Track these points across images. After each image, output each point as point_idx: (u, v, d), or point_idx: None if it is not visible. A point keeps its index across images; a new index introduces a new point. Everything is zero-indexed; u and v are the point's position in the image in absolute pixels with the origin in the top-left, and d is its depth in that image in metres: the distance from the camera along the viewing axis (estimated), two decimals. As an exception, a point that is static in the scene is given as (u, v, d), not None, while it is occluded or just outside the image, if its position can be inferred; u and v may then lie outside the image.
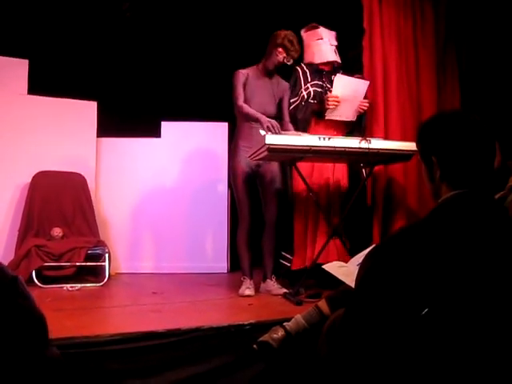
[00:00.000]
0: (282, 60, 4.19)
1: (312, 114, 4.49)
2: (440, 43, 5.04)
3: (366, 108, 4.46)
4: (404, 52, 4.86)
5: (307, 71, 4.60)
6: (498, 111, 4.43)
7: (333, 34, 4.63)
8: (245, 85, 4.22)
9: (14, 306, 1.55)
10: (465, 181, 1.58)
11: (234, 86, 4.21)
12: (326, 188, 4.46)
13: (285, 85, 4.41)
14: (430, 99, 4.89)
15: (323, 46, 4.57)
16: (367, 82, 4.44)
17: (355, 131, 4.54)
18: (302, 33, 4.63)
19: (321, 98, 4.45)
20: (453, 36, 5.10)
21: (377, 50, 4.73)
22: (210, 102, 5.88)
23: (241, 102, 4.17)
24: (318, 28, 4.58)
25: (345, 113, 4.42)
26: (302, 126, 4.39)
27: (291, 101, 4.49)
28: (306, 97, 4.53)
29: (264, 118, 3.99)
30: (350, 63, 4.82)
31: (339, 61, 4.62)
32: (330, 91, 4.43)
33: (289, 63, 4.21)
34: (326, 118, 4.39)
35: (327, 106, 4.34)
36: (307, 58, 4.64)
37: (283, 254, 4.53)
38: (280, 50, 4.16)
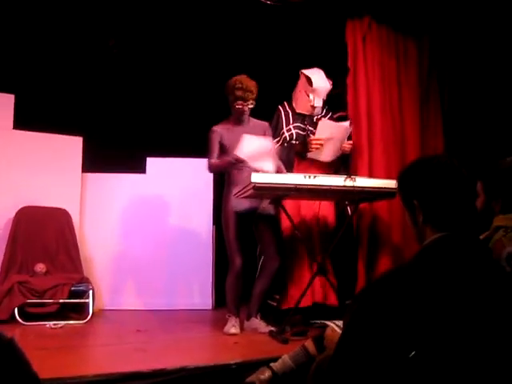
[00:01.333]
0: (245, 110, 4.24)
1: (295, 155, 4.57)
2: (423, 80, 5.16)
3: (348, 149, 4.57)
4: (388, 90, 4.97)
5: (289, 112, 4.70)
6: (481, 149, 4.52)
7: (326, 88, 4.65)
8: (221, 141, 4.27)
9: (10, 370, 1.55)
10: (448, 223, 1.61)
11: (208, 145, 4.29)
12: (312, 226, 4.50)
13: (263, 124, 4.43)
14: (414, 136, 4.99)
15: (306, 103, 4.65)
16: (350, 128, 4.56)
17: (340, 171, 4.61)
18: (301, 73, 4.71)
19: (304, 141, 4.54)
20: (435, 73, 5.22)
21: (361, 88, 4.84)
22: (196, 137, 5.84)
23: (211, 160, 4.25)
24: (311, 85, 4.60)
25: (328, 155, 4.51)
26: (284, 167, 4.42)
27: (274, 141, 4.55)
28: (288, 138, 4.61)
29: (228, 158, 4.10)
30: (334, 101, 4.90)
31: (320, 113, 4.73)
32: (313, 134, 4.52)
33: (252, 106, 4.25)
34: (310, 156, 4.47)
35: (310, 149, 4.43)
36: (293, 98, 4.75)
37: (272, 294, 4.55)
38: (237, 103, 4.22)
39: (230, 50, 5.63)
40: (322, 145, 4.41)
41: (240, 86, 4.17)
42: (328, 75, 4.67)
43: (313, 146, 4.40)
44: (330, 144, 4.44)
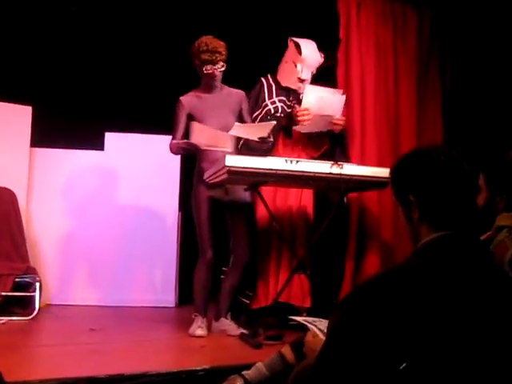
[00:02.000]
0: (215, 74, 4.22)
1: (279, 130, 4.55)
2: (423, 53, 5.20)
3: (341, 124, 4.51)
4: (383, 64, 5.01)
5: (273, 85, 4.70)
6: (485, 139, 4.58)
7: (316, 60, 4.63)
8: (191, 112, 4.28)
9: None
10: (446, 221, 1.65)
11: (174, 119, 4.30)
12: (290, 216, 4.53)
13: (238, 93, 4.43)
14: (410, 118, 5.04)
15: (293, 75, 4.62)
16: (343, 96, 4.49)
17: (336, 155, 4.59)
18: (289, 40, 4.69)
19: (289, 113, 4.52)
20: (436, 46, 5.27)
21: (353, 63, 4.88)
22: (162, 110, 5.77)
23: (171, 141, 4.27)
24: (300, 53, 4.57)
25: (317, 128, 4.49)
26: (266, 145, 4.38)
27: (254, 114, 4.57)
28: (272, 111, 4.60)
29: (181, 143, 4.15)
30: (323, 76, 4.86)
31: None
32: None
33: (223, 68, 4.23)
34: (297, 129, 4.47)
35: (297, 122, 4.37)
36: (279, 70, 4.74)
37: (245, 290, 4.59)
38: (205, 67, 4.20)
39: (206, 12, 5.59)
40: (309, 115, 4.33)
41: (205, 48, 4.14)
42: (320, 49, 4.65)
43: (299, 117, 4.34)
44: (318, 116, 4.37)
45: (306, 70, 4.60)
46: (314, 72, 4.67)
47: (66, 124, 5.68)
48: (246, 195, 4.33)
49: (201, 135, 4.03)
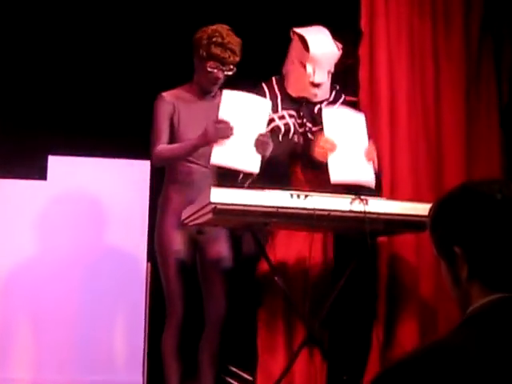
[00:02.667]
0: (218, 77, 4.26)
1: (296, 160, 4.59)
2: (472, 53, 5.22)
3: (373, 156, 4.45)
4: (419, 66, 5.06)
5: (278, 94, 4.65)
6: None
7: (332, 54, 4.59)
8: (172, 116, 4.29)
9: None
10: (505, 279, 1.63)
11: (154, 118, 4.30)
12: (301, 270, 4.53)
13: None
14: (456, 139, 5.06)
15: (303, 79, 4.57)
16: (362, 117, 4.53)
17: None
18: (292, 33, 4.64)
19: (306, 143, 4.53)
20: (490, 42, 5.29)
21: (380, 63, 4.93)
22: (124, 129, 5.79)
23: (159, 146, 4.24)
24: (308, 50, 4.51)
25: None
26: (278, 174, 4.41)
27: None
28: (282, 129, 4.58)
29: (199, 137, 4.08)
30: (341, 78, 4.88)
31: (327, 97, 4.67)
32: (312, 132, 4.52)
33: (231, 73, 4.28)
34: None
35: (317, 156, 4.38)
36: (284, 75, 4.71)
37: (232, 369, 4.57)
38: (210, 64, 4.22)
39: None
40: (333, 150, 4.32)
41: (220, 40, 4.17)
42: (337, 37, 4.61)
43: (320, 148, 4.34)
44: (346, 146, 4.36)
45: (319, 70, 4.53)
46: (332, 70, 4.62)
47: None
48: (223, 235, 4.36)
49: (234, 110, 4.07)
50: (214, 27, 4.23)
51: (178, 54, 4.70)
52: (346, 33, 4.92)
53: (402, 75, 4.96)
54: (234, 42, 4.21)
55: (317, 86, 4.56)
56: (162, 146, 4.24)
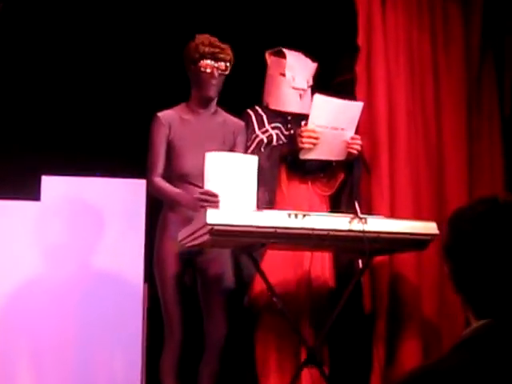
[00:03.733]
0: (213, 74, 4.26)
1: (280, 163, 4.59)
2: (472, 67, 5.23)
3: (356, 150, 4.50)
4: (419, 81, 5.05)
5: (263, 115, 4.73)
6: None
7: (308, 65, 4.74)
8: (168, 137, 4.31)
9: None
10: (493, 306, 1.65)
11: (151, 143, 4.32)
12: (300, 290, 4.53)
13: (236, 123, 4.52)
14: (458, 153, 5.05)
15: (284, 87, 4.68)
16: (360, 104, 4.52)
17: (344, 196, 4.64)
18: (267, 56, 4.77)
19: (291, 137, 4.56)
20: (491, 56, 5.31)
21: (378, 78, 4.93)
22: (119, 147, 5.78)
23: (156, 174, 4.27)
24: (284, 58, 4.67)
25: (327, 152, 4.49)
26: (265, 183, 4.38)
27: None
28: (265, 140, 4.64)
29: (186, 197, 4.12)
30: (336, 92, 4.78)
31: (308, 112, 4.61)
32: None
33: (226, 72, 4.31)
34: (301, 157, 4.47)
35: (301, 145, 4.39)
36: (265, 97, 4.80)
37: None
38: (202, 63, 4.26)
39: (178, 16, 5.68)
40: (317, 137, 4.35)
41: (208, 41, 4.26)
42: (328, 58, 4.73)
43: (304, 138, 4.36)
44: (329, 135, 4.39)
45: (298, 76, 4.65)
46: (311, 82, 4.71)
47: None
48: (224, 256, 4.37)
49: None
50: (203, 35, 4.32)
51: (173, 73, 4.71)
52: (343, 48, 4.94)
53: (400, 89, 4.95)
54: (221, 43, 4.31)
55: (299, 91, 4.65)
56: (157, 183, 4.29)
